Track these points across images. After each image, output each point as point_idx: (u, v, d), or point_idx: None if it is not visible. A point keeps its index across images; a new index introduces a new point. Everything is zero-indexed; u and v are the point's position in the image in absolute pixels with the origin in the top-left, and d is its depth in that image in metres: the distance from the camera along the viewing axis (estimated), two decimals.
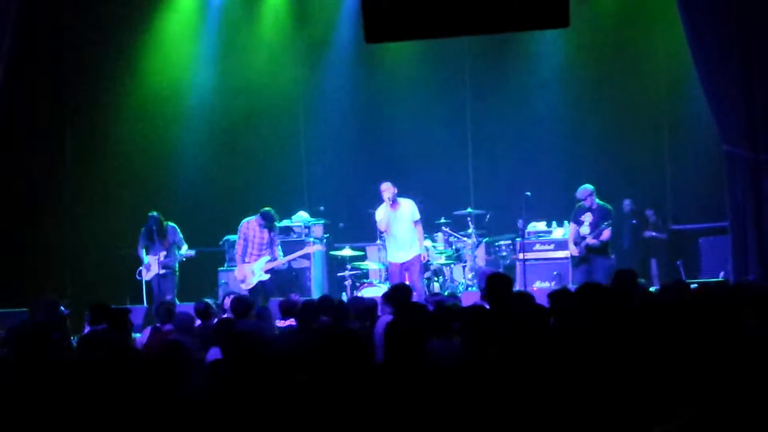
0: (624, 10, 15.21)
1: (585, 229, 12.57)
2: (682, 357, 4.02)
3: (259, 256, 12.74)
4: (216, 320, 8.98)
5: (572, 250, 12.65)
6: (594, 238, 12.35)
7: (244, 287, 12.67)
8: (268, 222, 12.67)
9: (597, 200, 12.59)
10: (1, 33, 12.24)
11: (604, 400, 4.17)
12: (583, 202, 12.61)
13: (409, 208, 12.51)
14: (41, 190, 14.56)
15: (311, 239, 14.08)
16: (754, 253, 11.81)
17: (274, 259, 12.78)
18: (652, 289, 10.15)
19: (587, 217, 12.56)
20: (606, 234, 12.37)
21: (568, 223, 12.97)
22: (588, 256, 12.38)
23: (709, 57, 11.73)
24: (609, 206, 12.66)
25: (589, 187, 12.67)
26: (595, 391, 4.24)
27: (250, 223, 12.84)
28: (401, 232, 12.47)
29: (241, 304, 8.88)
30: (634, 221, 14.84)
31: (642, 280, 10.52)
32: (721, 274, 12.81)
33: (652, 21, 14.85)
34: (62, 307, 10.77)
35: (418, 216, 12.50)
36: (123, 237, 14.14)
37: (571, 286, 10.83)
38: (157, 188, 14.90)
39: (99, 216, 14.74)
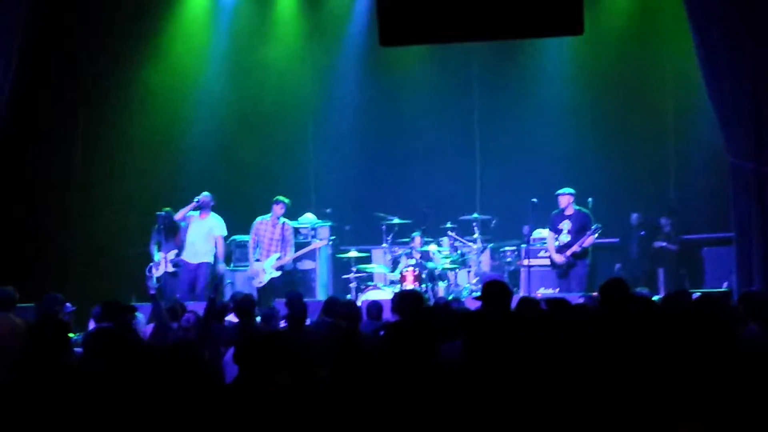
0: (634, 21, 15.27)
1: (565, 237, 12.58)
2: (680, 365, 4.07)
3: (269, 252, 12.96)
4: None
5: (557, 258, 12.63)
6: (579, 246, 12.41)
7: (256, 284, 12.95)
8: (278, 204, 13.02)
9: (575, 206, 12.63)
10: (13, 28, 12.28)
11: (604, 405, 4.21)
12: (560, 208, 12.64)
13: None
14: (50, 187, 14.60)
15: (317, 240, 14.16)
16: (759, 264, 11.82)
17: (284, 255, 13.00)
18: (655, 298, 10.18)
19: (566, 225, 12.59)
20: (590, 240, 12.44)
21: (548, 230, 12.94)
22: (574, 262, 12.47)
23: (717, 69, 11.75)
24: (587, 210, 12.70)
25: (570, 190, 12.70)
26: (596, 397, 4.28)
27: (264, 222, 13.16)
28: None
29: (246, 303, 8.93)
30: (642, 232, 14.85)
31: (645, 289, 10.59)
32: (725, 284, 12.84)
33: (662, 32, 14.91)
34: (68, 304, 10.84)
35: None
36: (130, 235, 14.22)
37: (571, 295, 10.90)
38: (165, 188, 14.93)
39: (107, 214, 14.80)
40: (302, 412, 4.39)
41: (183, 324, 8.40)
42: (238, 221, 13.72)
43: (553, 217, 12.78)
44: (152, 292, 11.06)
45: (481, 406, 4.18)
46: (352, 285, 13.57)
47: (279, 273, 12.98)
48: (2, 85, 12.08)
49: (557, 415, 4.10)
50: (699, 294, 8.37)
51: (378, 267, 14.02)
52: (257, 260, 13.12)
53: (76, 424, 4.73)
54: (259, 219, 13.27)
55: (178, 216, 12.93)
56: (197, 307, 10.23)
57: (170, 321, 8.99)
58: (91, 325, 9.28)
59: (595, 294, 11.10)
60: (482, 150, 16.14)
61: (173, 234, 12.91)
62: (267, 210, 13.36)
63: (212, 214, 12.99)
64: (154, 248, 12.95)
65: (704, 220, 14.64)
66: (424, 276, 13.15)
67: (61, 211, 14.64)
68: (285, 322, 8.72)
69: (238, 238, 14.07)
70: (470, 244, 14.05)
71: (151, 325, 9.41)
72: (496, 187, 15.66)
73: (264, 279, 12.91)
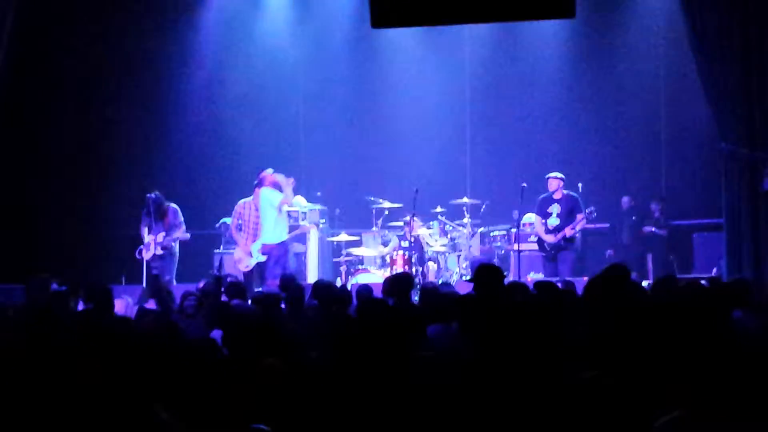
0: (626, 5, 15.26)
1: (554, 221, 12.54)
2: (670, 351, 4.07)
3: (255, 236, 12.79)
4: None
5: (548, 238, 12.53)
6: (572, 229, 12.40)
7: (242, 268, 12.70)
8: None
9: (564, 190, 12.62)
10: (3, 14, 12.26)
11: (597, 393, 4.22)
12: (549, 192, 12.61)
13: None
14: (40, 168, 14.57)
15: (306, 223, 14.12)
16: (748, 250, 11.85)
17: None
18: (644, 283, 10.21)
19: (555, 208, 12.55)
20: (582, 224, 12.46)
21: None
22: (564, 245, 12.45)
23: (709, 54, 11.76)
24: (576, 194, 12.68)
25: (559, 174, 12.67)
26: (589, 383, 4.29)
27: (246, 204, 12.88)
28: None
29: (236, 289, 8.90)
30: (633, 217, 14.84)
31: (635, 275, 10.62)
32: (714, 270, 12.87)
33: (654, 16, 14.90)
34: (55, 285, 10.82)
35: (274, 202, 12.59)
36: (120, 218, 14.18)
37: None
38: (155, 170, 14.90)
39: (98, 196, 14.77)
40: (296, 396, 4.38)
41: (188, 310, 8.35)
42: (228, 204, 13.66)
43: (541, 201, 12.73)
44: (155, 272, 11.04)
45: (477, 389, 4.18)
46: (343, 268, 13.56)
47: (265, 257, 12.79)
48: None
49: (551, 399, 4.11)
50: (687, 280, 8.41)
51: (368, 250, 14.01)
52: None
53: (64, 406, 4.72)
54: (241, 202, 12.95)
55: (290, 202, 12.82)
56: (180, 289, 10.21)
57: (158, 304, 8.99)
58: (80, 306, 9.28)
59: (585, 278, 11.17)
60: (473, 134, 16.15)
61: (162, 216, 12.81)
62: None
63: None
64: (144, 231, 12.86)
65: (695, 205, 14.67)
66: (414, 260, 13.15)
67: (52, 193, 14.60)
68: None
69: (228, 220, 14.01)
70: (460, 228, 14.05)
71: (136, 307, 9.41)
72: (487, 171, 15.68)
73: (250, 263, 12.75)
